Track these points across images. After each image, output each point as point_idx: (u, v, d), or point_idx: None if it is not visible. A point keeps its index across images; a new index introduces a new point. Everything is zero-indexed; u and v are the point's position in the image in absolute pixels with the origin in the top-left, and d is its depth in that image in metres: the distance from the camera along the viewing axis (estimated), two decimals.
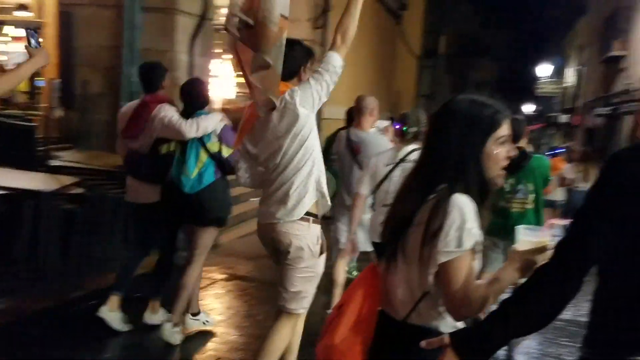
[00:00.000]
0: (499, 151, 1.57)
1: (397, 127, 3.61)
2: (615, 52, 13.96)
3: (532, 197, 3.80)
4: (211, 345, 3.80)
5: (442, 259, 1.46)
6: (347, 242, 3.85)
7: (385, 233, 1.64)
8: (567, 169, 8.08)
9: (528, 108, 40.93)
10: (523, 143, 3.74)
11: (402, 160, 3.43)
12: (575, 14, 22.22)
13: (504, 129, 1.58)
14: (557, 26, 27.11)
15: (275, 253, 2.77)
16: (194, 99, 3.53)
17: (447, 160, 1.54)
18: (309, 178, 2.67)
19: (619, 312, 1.33)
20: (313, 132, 2.69)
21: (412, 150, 3.40)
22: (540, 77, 26.69)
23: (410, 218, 1.55)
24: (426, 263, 1.50)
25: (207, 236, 3.64)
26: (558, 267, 1.35)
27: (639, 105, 1.71)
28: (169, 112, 3.47)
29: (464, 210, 1.47)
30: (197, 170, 3.42)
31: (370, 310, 1.61)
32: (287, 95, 2.61)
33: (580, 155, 8.44)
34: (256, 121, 2.71)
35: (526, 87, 32.80)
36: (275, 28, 2.48)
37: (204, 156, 3.44)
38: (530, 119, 40.22)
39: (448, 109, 1.62)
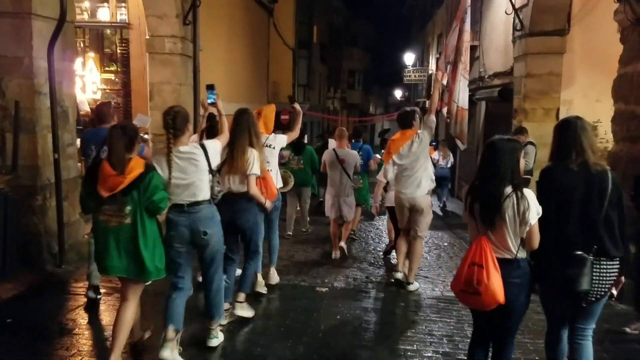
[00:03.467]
0: (523, 161, 3.04)
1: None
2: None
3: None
4: None
5: (533, 221, 2.91)
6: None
7: (487, 215, 2.95)
8: (435, 154, 12.20)
9: (398, 94, 43.37)
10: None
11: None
12: (433, 5, 23.77)
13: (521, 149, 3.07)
14: (418, 17, 28.89)
15: (409, 211, 5.56)
16: None
17: (507, 171, 2.93)
18: (428, 174, 5.52)
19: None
20: (428, 152, 5.57)
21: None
22: (408, 65, 28.27)
23: (500, 205, 2.89)
24: (522, 225, 2.91)
25: None
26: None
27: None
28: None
29: (533, 196, 2.94)
30: None
31: (495, 259, 2.92)
32: (420, 134, 5.47)
33: (440, 144, 13.54)
34: (401, 147, 5.47)
35: (395, 75, 34.60)
36: (465, 112, 6.17)
37: None
38: (399, 104, 42.68)
39: (496, 146, 3.00)
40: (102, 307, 4.82)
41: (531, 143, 7.99)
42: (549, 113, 9.07)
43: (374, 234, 8.88)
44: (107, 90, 10.84)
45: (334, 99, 33.98)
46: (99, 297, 4.87)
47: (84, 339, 4.12)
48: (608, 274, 3.00)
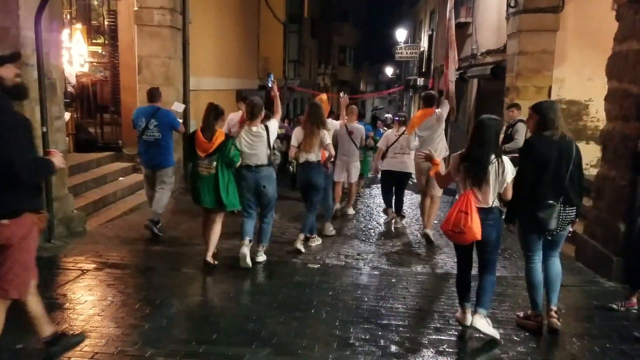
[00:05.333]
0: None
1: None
2: (461, 19, 14.91)
3: None
4: (86, 341, 3.65)
5: (509, 180, 3.86)
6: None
7: (477, 177, 3.80)
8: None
9: (389, 71, 43.09)
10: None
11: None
12: None
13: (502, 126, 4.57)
14: None
15: (427, 174, 6.45)
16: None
17: (492, 143, 3.84)
18: (444, 143, 6.81)
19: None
20: (443, 126, 6.79)
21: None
22: (399, 42, 28.03)
23: (487, 169, 3.79)
24: (501, 182, 3.85)
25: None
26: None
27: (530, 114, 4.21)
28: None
29: (509, 161, 3.88)
30: None
31: (477, 208, 3.79)
32: (437, 112, 6.67)
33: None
34: (424, 121, 6.70)
35: (386, 51, 34.27)
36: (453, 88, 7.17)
37: None
38: (390, 81, 42.47)
39: (484, 123, 3.87)
40: (92, 282, 4.79)
41: (522, 121, 7.97)
42: (541, 91, 9.06)
43: (365, 212, 8.90)
44: (95, 63, 10.65)
45: (325, 75, 33.68)
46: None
47: (74, 314, 4.09)
48: (568, 216, 4.02)
